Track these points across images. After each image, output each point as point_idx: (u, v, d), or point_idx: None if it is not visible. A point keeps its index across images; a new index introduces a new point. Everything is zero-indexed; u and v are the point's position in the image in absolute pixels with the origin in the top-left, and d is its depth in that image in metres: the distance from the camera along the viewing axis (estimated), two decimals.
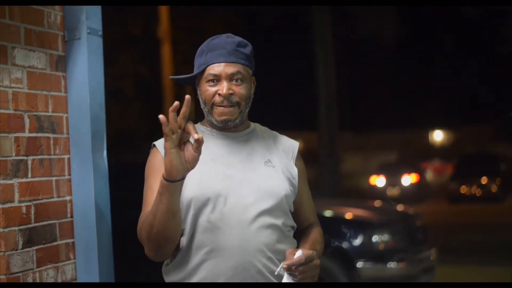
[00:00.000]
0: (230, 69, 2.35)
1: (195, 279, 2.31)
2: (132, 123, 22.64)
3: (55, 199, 3.13)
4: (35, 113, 3.05)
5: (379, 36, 26.49)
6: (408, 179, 24.78)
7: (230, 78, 2.35)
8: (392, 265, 7.48)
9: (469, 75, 31.42)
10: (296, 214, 2.53)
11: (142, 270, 5.35)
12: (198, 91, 2.44)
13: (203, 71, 2.39)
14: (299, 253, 2.22)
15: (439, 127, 33.24)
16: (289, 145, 2.55)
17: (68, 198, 3.21)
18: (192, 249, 2.31)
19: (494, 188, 23.24)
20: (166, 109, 22.27)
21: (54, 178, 3.14)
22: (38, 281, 2.99)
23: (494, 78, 30.69)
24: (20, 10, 3.00)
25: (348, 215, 7.96)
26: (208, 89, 2.37)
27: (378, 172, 25.35)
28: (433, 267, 8.20)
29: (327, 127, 15.45)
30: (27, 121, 3.01)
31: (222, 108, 2.36)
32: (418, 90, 31.93)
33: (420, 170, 26.37)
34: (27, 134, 3.00)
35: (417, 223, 8.50)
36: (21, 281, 2.90)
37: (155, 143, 2.45)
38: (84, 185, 3.21)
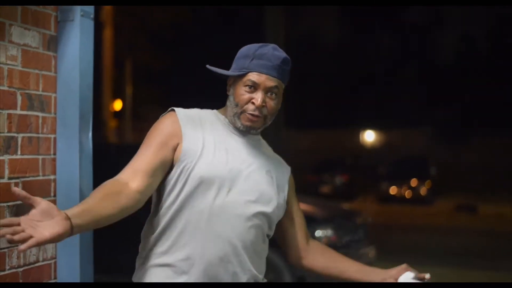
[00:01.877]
0: (270, 82, 2.43)
1: (179, 255, 2.36)
2: None
3: (41, 177, 3.16)
4: (26, 91, 3.08)
5: (320, 35, 26.77)
6: (339, 178, 25.18)
7: (267, 90, 2.44)
8: None
9: (405, 79, 32.01)
10: (293, 234, 2.70)
11: (121, 250, 5.40)
12: (232, 90, 2.50)
13: (243, 74, 2.45)
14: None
15: (372, 128, 33.79)
16: (285, 170, 2.69)
17: (52, 177, 3.24)
18: (180, 226, 2.37)
19: (423, 191, 23.84)
20: (104, 93, 22.05)
21: (40, 157, 3.17)
22: (22, 257, 3.02)
23: (429, 84, 31.34)
24: None
25: None
26: (244, 94, 2.44)
27: (311, 169, 25.70)
28: (371, 263, 8.41)
29: (273, 123, 15.54)
30: (19, 98, 3.03)
31: (251, 116, 2.44)
32: (355, 90, 32.35)
33: (352, 169, 26.80)
34: (18, 111, 3.03)
35: (358, 220, 8.70)
36: (7, 257, 2.93)
37: (175, 108, 2.49)
38: (69, 165, 3.24)
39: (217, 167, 2.38)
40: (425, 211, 21.06)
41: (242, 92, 2.45)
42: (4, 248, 2.91)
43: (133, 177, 2.27)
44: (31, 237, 1.83)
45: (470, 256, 11.65)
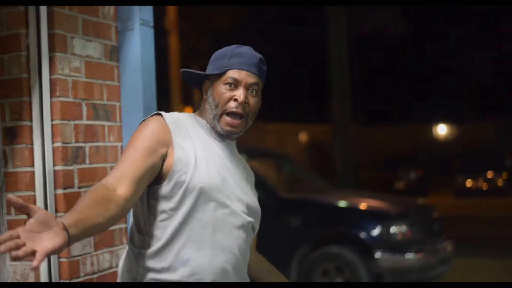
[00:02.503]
0: (251, 79, 2.35)
1: (184, 271, 2.24)
2: None
3: None
4: (91, 101, 3.14)
5: (385, 31, 26.53)
6: (414, 173, 24.92)
7: (248, 87, 2.35)
8: (410, 255, 7.57)
9: (477, 70, 31.48)
10: None
11: None
12: (210, 91, 2.39)
13: (222, 73, 2.36)
14: None
15: (445, 121, 33.33)
16: (252, 174, 2.58)
17: None
18: (182, 241, 2.25)
19: (500, 182, 23.40)
20: (172, 101, 22.34)
21: (108, 165, 3.23)
22: (95, 264, 3.09)
23: (502, 74, 30.73)
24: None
25: (365, 206, 8.06)
26: (224, 92, 2.33)
27: (384, 165, 25.53)
28: (449, 258, 8.29)
29: (341, 120, 15.59)
30: (84, 109, 3.10)
31: (231, 119, 2.34)
32: (425, 83, 31.95)
33: (426, 164, 26.49)
34: (84, 121, 3.09)
35: (433, 215, 8.59)
36: (81, 264, 3.00)
37: (162, 112, 2.35)
38: None
39: (212, 177, 2.29)
40: (503, 203, 20.65)
41: (222, 90, 2.34)
42: (77, 256, 2.98)
43: (120, 183, 2.13)
44: (33, 251, 1.70)
45: None
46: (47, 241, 1.76)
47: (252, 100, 2.36)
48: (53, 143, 2.94)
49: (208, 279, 2.25)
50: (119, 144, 3.31)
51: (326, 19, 16.11)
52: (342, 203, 8.25)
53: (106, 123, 3.23)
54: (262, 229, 2.52)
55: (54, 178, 2.92)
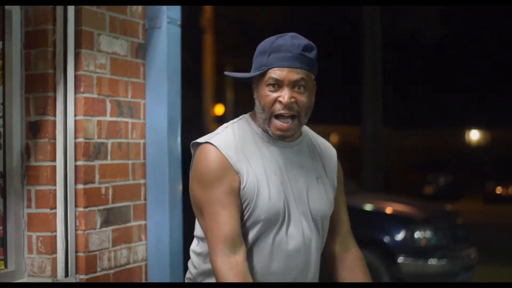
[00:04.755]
0: (294, 75, 2.14)
1: None
2: None
3: (131, 182, 3.25)
4: (116, 98, 3.17)
5: (423, 34, 26.34)
6: (444, 178, 24.76)
7: (293, 85, 2.15)
8: (433, 261, 7.52)
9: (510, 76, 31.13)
10: (333, 226, 2.41)
11: None
12: (256, 93, 2.22)
13: (264, 73, 2.17)
14: None
15: (476, 127, 33.08)
16: (331, 154, 2.43)
17: (142, 181, 3.33)
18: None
19: None
20: (206, 98, 22.33)
21: (130, 162, 3.26)
22: (113, 259, 3.11)
23: None
24: None
25: (390, 210, 8.02)
26: (268, 95, 2.16)
27: (414, 170, 25.39)
28: (473, 265, 8.22)
29: (371, 123, 15.54)
30: (108, 105, 3.13)
31: (280, 123, 2.16)
32: (457, 89, 31.71)
33: (456, 169, 26.29)
34: (108, 118, 3.12)
35: (458, 221, 8.53)
36: (98, 259, 3.02)
37: (212, 141, 2.18)
38: (159, 170, 3.32)
39: (274, 204, 2.16)
40: None
41: (266, 93, 2.16)
42: (95, 251, 3.01)
43: (237, 250, 2.10)
44: None
45: None
46: None
47: (301, 97, 2.16)
48: (75, 138, 2.97)
49: None
50: (142, 141, 3.34)
51: (361, 21, 16.06)
52: (366, 206, 8.20)
53: (130, 120, 3.26)
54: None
55: (75, 173, 2.95)
